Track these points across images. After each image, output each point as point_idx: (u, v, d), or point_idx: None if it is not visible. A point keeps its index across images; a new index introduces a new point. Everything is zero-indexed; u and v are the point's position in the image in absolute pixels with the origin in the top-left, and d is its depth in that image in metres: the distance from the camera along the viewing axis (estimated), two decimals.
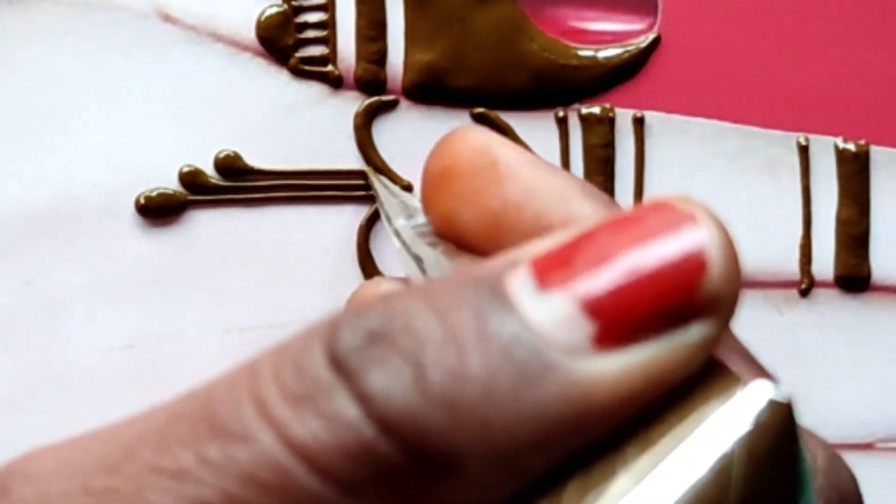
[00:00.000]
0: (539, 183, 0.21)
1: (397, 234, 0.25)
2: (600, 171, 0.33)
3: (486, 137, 0.22)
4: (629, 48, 0.33)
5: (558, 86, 0.33)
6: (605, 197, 0.21)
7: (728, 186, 0.34)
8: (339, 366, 0.16)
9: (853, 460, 0.35)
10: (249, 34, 0.32)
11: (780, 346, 0.34)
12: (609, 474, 0.16)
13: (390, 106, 0.33)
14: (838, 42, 0.33)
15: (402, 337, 0.16)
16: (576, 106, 0.33)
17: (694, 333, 0.16)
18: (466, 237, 0.22)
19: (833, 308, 0.34)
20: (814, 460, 0.20)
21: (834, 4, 0.33)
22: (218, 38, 0.32)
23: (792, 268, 0.34)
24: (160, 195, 0.32)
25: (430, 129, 0.33)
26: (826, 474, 0.20)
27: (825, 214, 0.34)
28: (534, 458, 0.16)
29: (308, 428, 0.16)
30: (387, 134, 0.33)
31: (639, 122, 0.33)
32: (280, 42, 0.32)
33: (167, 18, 0.32)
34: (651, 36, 0.33)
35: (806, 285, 0.34)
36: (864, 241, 0.34)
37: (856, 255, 0.34)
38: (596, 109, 0.33)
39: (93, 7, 0.32)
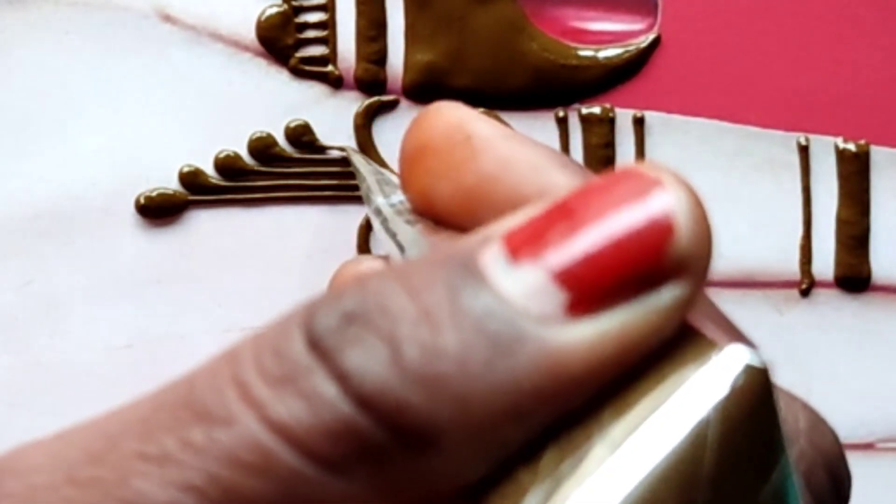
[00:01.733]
0: (513, 155, 0.21)
1: (377, 211, 0.25)
2: (600, 171, 0.33)
3: (460, 112, 0.22)
4: (629, 48, 0.33)
5: (558, 86, 0.33)
6: (580, 167, 0.22)
7: (728, 186, 0.34)
8: (317, 346, 0.16)
9: (853, 460, 0.35)
10: (250, 34, 0.32)
11: (780, 346, 0.34)
12: (585, 441, 0.16)
13: (390, 106, 0.33)
14: (838, 42, 0.33)
15: (377, 316, 0.16)
16: (576, 106, 0.33)
17: (666, 296, 0.16)
18: (444, 213, 0.22)
19: (833, 308, 0.34)
20: (795, 423, 0.20)
21: (834, 4, 0.33)
22: (218, 38, 0.32)
23: (792, 268, 0.34)
24: (160, 195, 0.32)
25: None
26: (808, 436, 0.21)
27: (825, 214, 0.34)
28: (511, 430, 0.16)
29: (288, 408, 0.16)
30: (387, 134, 0.33)
31: (639, 122, 0.33)
32: (280, 42, 0.32)
33: (167, 18, 0.32)
34: (651, 36, 0.33)
35: (806, 285, 0.34)
36: (865, 241, 0.34)
37: (856, 255, 0.34)
38: (596, 109, 0.33)
39: (93, 7, 0.32)
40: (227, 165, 0.32)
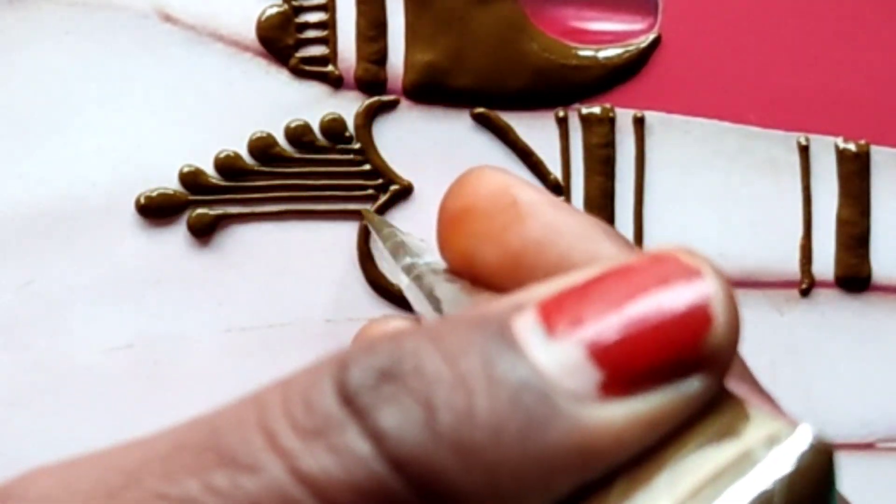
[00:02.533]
0: (561, 222, 0.22)
1: (408, 270, 0.25)
2: (600, 171, 0.33)
3: (504, 177, 0.23)
4: (629, 48, 0.33)
5: (558, 86, 0.33)
6: (625, 238, 0.22)
7: (728, 186, 0.34)
8: (351, 402, 0.16)
9: (853, 460, 0.35)
10: (250, 34, 0.32)
11: (780, 346, 0.34)
12: (636, 495, 0.16)
13: (390, 106, 0.33)
14: (838, 42, 0.33)
15: (412, 377, 0.16)
16: (576, 106, 0.33)
17: (696, 385, 0.17)
18: (485, 276, 0.22)
19: (833, 308, 0.34)
20: None
21: (834, 4, 0.33)
22: (218, 38, 0.32)
23: (792, 268, 0.34)
24: (160, 195, 0.32)
25: (431, 129, 0.33)
26: None
27: (825, 214, 0.34)
28: (536, 500, 0.16)
29: (318, 461, 0.16)
30: (387, 134, 0.33)
31: (639, 122, 0.33)
32: (280, 42, 0.32)
33: (167, 18, 0.32)
34: (651, 36, 0.33)
35: (806, 285, 0.34)
36: (865, 241, 0.34)
37: (856, 255, 0.34)
38: (596, 109, 0.33)
39: (93, 7, 0.32)
40: (227, 165, 0.32)
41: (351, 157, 0.33)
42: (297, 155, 0.32)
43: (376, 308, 0.32)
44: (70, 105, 0.32)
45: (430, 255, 0.25)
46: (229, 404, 0.17)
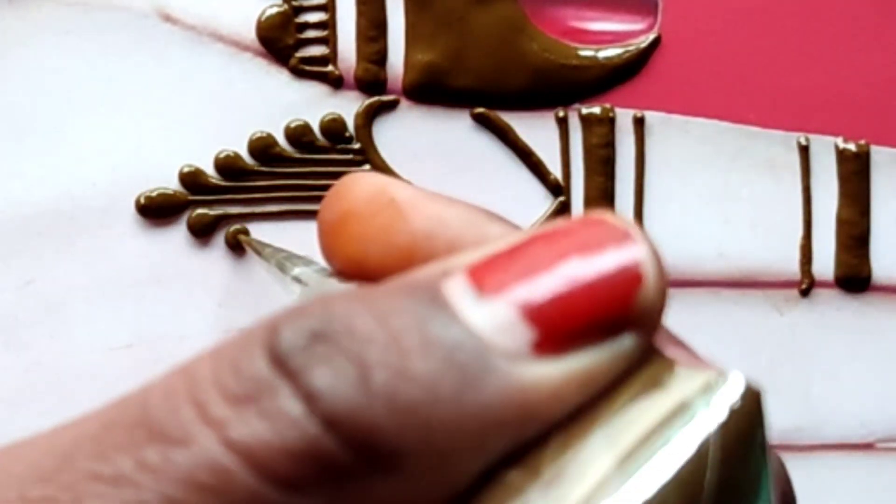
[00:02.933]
0: (443, 212, 0.22)
1: (297, 280, 0.26)
2: (600, 171, 0.33)
3: (378, 178, 0.23)
4: (629, 48, 0.33)
5: (558, 86, 0.33)
6: (510, 222, 0.22)
7: (728, 186, 0.34)
8: (282, 364, 0.16)
9: (853, 460, 0.35)
10: (250, 34, 0.32)
11: (780, 346, 0.34)
12: (581, 447, 0.16)
13: (390, 106, 0.33)
14: (838, 42, 0.33)
15: (345, 338, 0.16)
16: (576, 106, 0.33)
17: (627, 343, 0.17)
18: (376, 277, 0.22)
19: (833, 308, 0.34)
20: None
21: (834, 4, 0.33)
22: (218, 38, 0.32)
23: (792, 268, 0.34)
24: (160, 195, 0.32)
25: (430, 129, 0.33)
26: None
27: (825, 214, 0.34)
28: (473, 458, 0.16)
29: (250, 428, 0.16)
30: (387, 134, 0.33)
31: (639, 122, 0.33)
32: (280, 42, 0.32)
33: (167, 18, 0.32)
34: (651, 36, 0.33)
35: (806, 285, 0.34)
36: (865, 241, 0.34)
37: (856, 255, 0.34)
38: (596, 109, 0.33)
39: (93, 7, 0.32)
40: (227, 165, 0.32)
41: (351, 157, 0.33)
42: (297, 155, 0.32)
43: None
44: (70, 105, 0.32)
45: (317, 265, 0.26)
46: (159, 378, 0.17)
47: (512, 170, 0.33)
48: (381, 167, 0.32)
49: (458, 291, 0.17)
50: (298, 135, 0.32)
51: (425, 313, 0.16)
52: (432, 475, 0.16)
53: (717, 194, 0.33)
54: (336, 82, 0.33)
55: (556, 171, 0.33)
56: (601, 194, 0.33)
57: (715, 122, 0.33)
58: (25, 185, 0.32)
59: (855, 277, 0.34)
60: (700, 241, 0.33)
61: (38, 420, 0.32)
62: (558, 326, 0.16)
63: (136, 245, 0.32)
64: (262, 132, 0.32)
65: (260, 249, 0.30)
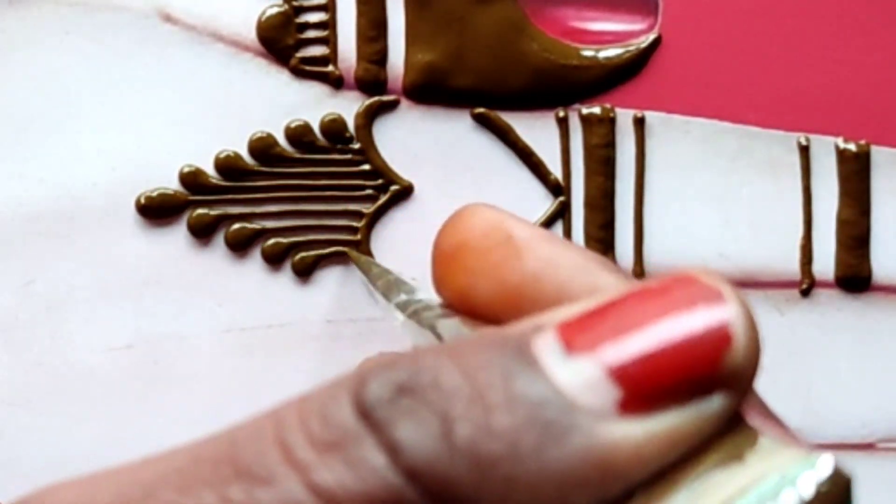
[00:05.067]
0: (558, 255, 0.22)
1: (403, 307, 0.26)
2: (600, 172, 0.33)
3: (497, 213, 0.23)
4: (630, 48, 0.33)
5: (558, 86, 0.33)
6: (623, 270, 0.22)
7: (728, 186, 0.34)
8: (367, 415, 0.16)
9: (853, 460, 0.35)
10: (250, 34, 0.32)
11: (781, 346, 0.34)
12: None
13: (391, 106, 0.33)
14: (838, 42, 0.33)
15: (430, 391, 0.16)
16: (576, 106, 0.33)
17: (716, 404, 0.17)
18: (482, 311, 0.23)
19: (834, 308, 0.34)
20: None
21: (834, 4, 0.33)
22: (219, 38, 0.32)
23: (792, 268, 0.34)
24: (160, 195, 0.32)
25: (431, 129, 0.33)
26: None
27: (826, 214, 0.34)
28: None
29: (334, 474, 0.16)
30: (387, 134, 0.33)
31: (639, 123, 0.33)
32: (281, 42, 0.32)
33: (168, 19, 0.32)
34: (651, 36, 0.33)
35: (807, 285, 0.34)
36: (865, 241, 0.34)
37: (856, 255, 0.34)
38: (596, 109, 0.33)
39: (93, 7, 0.32)
40: (227, 165, 0.32)
41: (351, 157, 0.33)
42: (298, 155, 0.32)
43: (376, 308, 0.32)
44: (70, 105, 0.32)
45: (423, 293, 0.26)
46: (247, 420, 0.17)
47: (512, 170, 0.33)
48: (381, 167, 0.32)
49: (546, 348, 0.17)
50: (299, 135, 0.32)
51: (512, 368, 0.17)
52: None
53: (717, 194, 0.33)
54: (336, 82, 0.33)
55: (556, 171, 0.33)
56: (601, 194, 0.33)
57: (715, 122, 0.33)
58: (25, 185, 0.32)
59: (855, 277, 0.34)
60: (700, 242, 0.33)
61: (38, 420, 0.32)
62: (644, 386, 0.16)
63: (136, 245, 0.32)
64: (262, 132, 0.32)
65: (367, 269, 0.30)
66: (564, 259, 0.22)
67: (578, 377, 0.17)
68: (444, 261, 0.23)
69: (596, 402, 0.16)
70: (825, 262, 0.34)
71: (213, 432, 0.17)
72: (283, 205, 0.32)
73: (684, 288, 0.17)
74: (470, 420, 0.16)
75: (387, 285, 0.28)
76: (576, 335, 0.17)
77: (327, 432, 0.16)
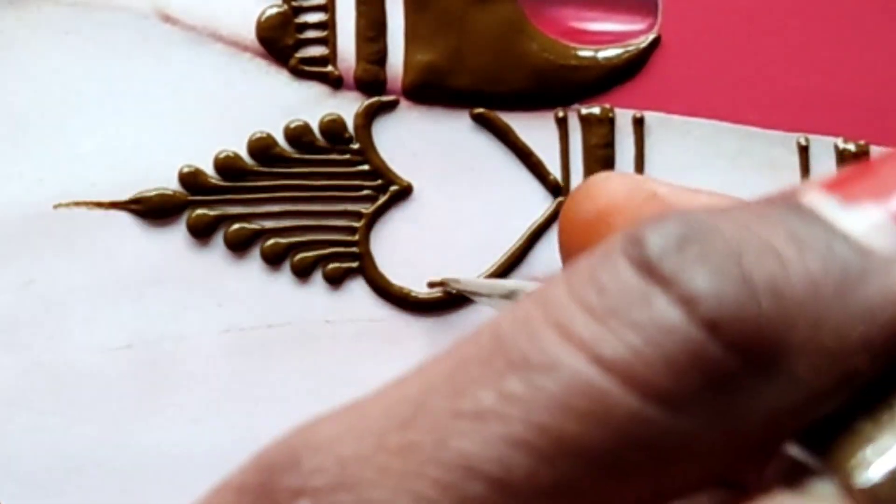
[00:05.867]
0: (713, 203, 0.21)
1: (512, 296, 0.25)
2: (600, 172, 0.33)
3: (632, 176, 0.22)
4: (629, 49, 0.33)
5: (558, 86, 0.33)
6: None
7: (728, 186, 0.33)
8: (653, 270, 0.15)
9: None
10: (249, 35, 0.32)
11: None
12: None
13: (390, 106, 0.33)
14: (838, 42, 0.33)
15: (718, 241, 0.15)
16: (576, 106, 0.33)
17: None
18: None
19: None
20: None
21: (834, 4, 0.33)
22: (218, 38, 0.32)
23: None
24: (160, 195, 0.32)
25: (430, 129, 0.33)
26: None
27: None
28: (862, 361, 0.15)
29: (623, 342, 0.15)
30: (387, 134, 0.33)
31: (639, 123, 0.33)
32: (280, 42, 0.32)
33: (167, 19, 0.32)
34: (651, 36, 0.33)
35: None
36: None
37: None
38: (596, 110, 0.33)
39: (93, 7, 0.32)
40: (227, 165, 0.32)
41: (350, 157, 0.33)
42: (297, 155, 0.32)
43: (376, 308, 0.32)
44: (70, 105, 0.32)
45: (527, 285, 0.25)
46: (507, 311, 0.16)
47: (511, 170, 0.33)
48: (381, 167, 0.32)
49: (821, 202, 0.16)
50: (298, 135, 0.32)
51: (792, 219, 0.16)
52: (819, 380, 0.15)
53: None
54: (336, 82, 0.33)
55: (555, 171, 0.33)
56: None
57: (715, 122, 0.33)
58: (25, 185, 0.32)
59: None
60: None
61: (38, 420, 0.32)
62: None
63: (136, 245, 0.32)
64: (261, 132, 0.32)
65: (475, 291, 0.30)
66: (721, 205, 0.21)
67: (863, 222, 0.16)
68: (585, 229, 0.22)
69: (887, 244, 0.16)
70: None
71: (470, 333, 0.16)
72: (282, 205, 0.32)
73: None
74: (765, 265, 0.15)
75: (505, 295, 0.28)
76: (846, 189, 0.16)
77: (607, 298, 0.15)
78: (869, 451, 0.15)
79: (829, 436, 0.15)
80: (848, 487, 0.15)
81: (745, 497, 0.15)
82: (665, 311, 0.15)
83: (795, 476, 0.15)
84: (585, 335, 0.15)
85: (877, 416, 0.15)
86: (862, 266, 0.15)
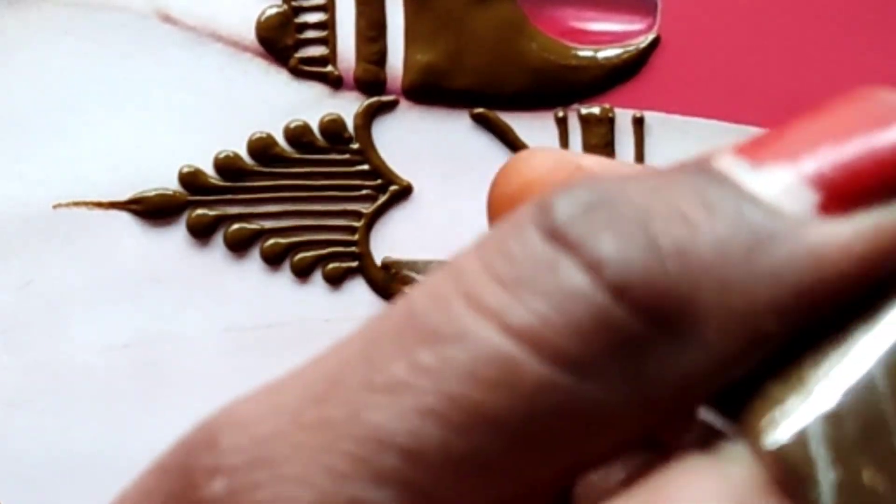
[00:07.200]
0: (636, 174, 0.21)
1: None
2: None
3: (556, 151, 0.22)
4: (629, 48, 0.33)
5: (558, 86, 0.33)
6: None
7: None
8: (560, 236, 0.15)
9: None
10: (249, 35, 0.32)
11: None
12: (846, 355, 0.15)
13: (390, 106, 0.33)
14: (838, 42, 0.33)
15: (624, 206, 0.15)
16: (575, 106, 0.33)
17: None
18: None
19: None
20: None
21: (834, 4, 0.33)
22: (218, 38, 0.32)
23: None
24: (160, 195, 0.32)
25: (430, 129, 0.33)
26: None
27: None
28: (770, 323, 0.15)
29: (531, 310, 0.15)
30: (387, 134, 0.33)
31: (638, 123, 0.33)
32: (280, 42, 0.32)
33: (167, 19, 0.32)
34: (651, 36, 0.33)
35: None
36: None
37: None
38: (596, 110, 0.33)
39: (93, 8, 0.32)
40: (227, 165, 0.32)
41: (350, 157, 0.33)
42: (297, 155, 0.32)
43: (376, 308, 0.32)
44: (70, 105, 0.32)
45: None
46: (420, 284, 0.16)
47: None
48: (380, 167, 0.32)
49: (731, 165, 0.16)
50: (298, 135, 0.32)
51: (702, 183, 0.16)
52: (727, 343, 0.15)
53: None
54: (335, 83, 0.33)
55: None
56: None
57: (715, 122, 0.33)
58: (25, 185, 0.32)
59: None
60: None
61: (38, 420, 0.32)
62: (842, 187, 0.16)
63: (136, 245, 0.32)
64: (261, 132, 0.32)
65: (414, 269, 0.30)
66: (645, 174, 0.21)
67: (773, 185, 0.16)
68: (510, 204, 0.22)
69: (796, 206, 0.16)
70: None
71: (385, 308, 0.16)
72: (282, 205, 0.32)
73: (864, 103, 0.16)
74: (673, 229, 0.15)
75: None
76: (757, 152, 0.16)
77: (516, 267, 0.15)
78: (777, 412, 0.15)
79: (741, 399, 0.15)
80: (757, 449, 0.15)
81: (662, 460, 0.15)
82: (572, 277, 0.15)
83: (709, 439, 0.15)
84: (494, 304, 0.15)
85: (785, 379, 0.15)
86: (771, 228, 0.15)
